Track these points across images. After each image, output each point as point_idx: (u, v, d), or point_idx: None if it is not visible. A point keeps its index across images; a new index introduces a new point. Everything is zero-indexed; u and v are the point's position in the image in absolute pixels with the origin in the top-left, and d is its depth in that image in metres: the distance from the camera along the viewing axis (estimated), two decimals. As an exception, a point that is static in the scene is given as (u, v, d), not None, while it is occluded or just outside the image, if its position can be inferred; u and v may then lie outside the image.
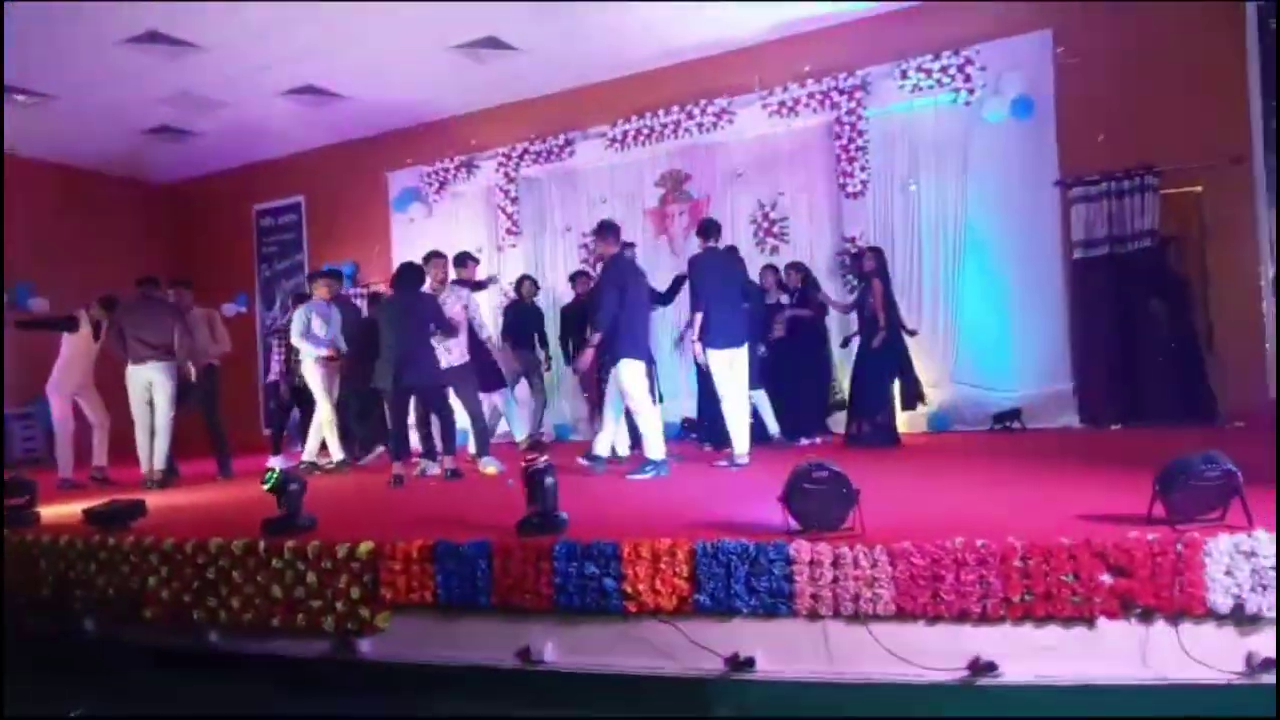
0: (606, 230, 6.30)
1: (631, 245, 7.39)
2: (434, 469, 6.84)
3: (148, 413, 7.12)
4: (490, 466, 6.66)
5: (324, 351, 7.37)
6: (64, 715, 3.63)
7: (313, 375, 7.41)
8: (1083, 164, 7.85)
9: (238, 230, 12.58)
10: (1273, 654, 2.81)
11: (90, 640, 4.43)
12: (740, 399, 6.40)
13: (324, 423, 7.56)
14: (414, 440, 7.24)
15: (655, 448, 6.00)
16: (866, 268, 7.31)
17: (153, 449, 7.13)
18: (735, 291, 6.45)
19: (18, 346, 10.75)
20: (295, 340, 7.42)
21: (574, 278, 8.78)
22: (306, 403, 7.80)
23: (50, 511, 5.37)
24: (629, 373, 6.03)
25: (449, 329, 6.78)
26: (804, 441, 7.49)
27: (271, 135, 11.10)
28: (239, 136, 11.06)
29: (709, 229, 6.49)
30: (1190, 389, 7.32)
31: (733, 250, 7.39)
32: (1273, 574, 2.84)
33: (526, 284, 8.94)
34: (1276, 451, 3.13)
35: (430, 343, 6.64)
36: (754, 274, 7.74)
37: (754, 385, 6.93)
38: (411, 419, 7.01)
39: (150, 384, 7.05)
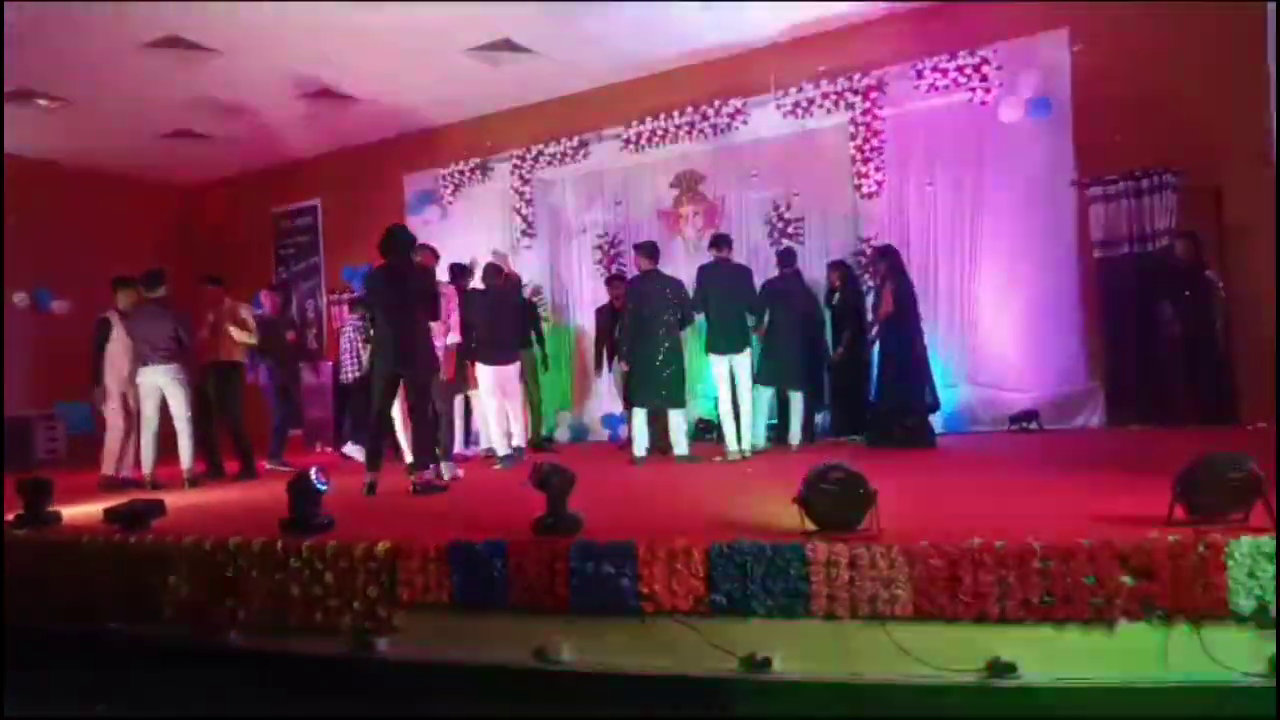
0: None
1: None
2: (447, 472, 6.29)
3: (157, 416, 7.13)
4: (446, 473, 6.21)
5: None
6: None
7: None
8: (1100, 163, 7.79)
9: (256, 233, 12.70)
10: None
11: (113, 639, 4.46)
12: (744, 399, 6.98)
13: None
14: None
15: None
16: (879, 269, 7.35)
17: (157, 451, 7.13)
18: (737, 303, 7.00)
19: (40, 348, 10.89)
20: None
21: (610, 281, 8.87)
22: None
23: (74, 511, 5.39)
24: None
25: (438, 312, 6.08)
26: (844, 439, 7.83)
27: (288, 138, 11.19)
28: (257, 140, 11.15)
29: (719, 241, 7.19)
30: (1211, 389, 7.25)
31: (744, 268, 7.51)
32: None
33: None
34: (1276, 452, 3.10)
35: (426, 326, 5.86)
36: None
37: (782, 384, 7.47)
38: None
39: (160, 386, 7.06)
